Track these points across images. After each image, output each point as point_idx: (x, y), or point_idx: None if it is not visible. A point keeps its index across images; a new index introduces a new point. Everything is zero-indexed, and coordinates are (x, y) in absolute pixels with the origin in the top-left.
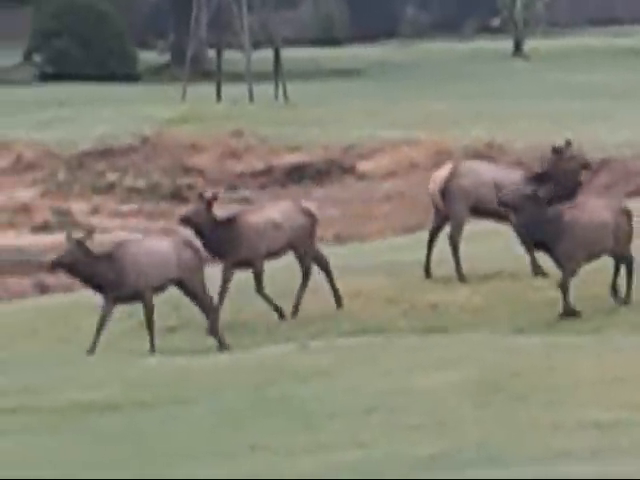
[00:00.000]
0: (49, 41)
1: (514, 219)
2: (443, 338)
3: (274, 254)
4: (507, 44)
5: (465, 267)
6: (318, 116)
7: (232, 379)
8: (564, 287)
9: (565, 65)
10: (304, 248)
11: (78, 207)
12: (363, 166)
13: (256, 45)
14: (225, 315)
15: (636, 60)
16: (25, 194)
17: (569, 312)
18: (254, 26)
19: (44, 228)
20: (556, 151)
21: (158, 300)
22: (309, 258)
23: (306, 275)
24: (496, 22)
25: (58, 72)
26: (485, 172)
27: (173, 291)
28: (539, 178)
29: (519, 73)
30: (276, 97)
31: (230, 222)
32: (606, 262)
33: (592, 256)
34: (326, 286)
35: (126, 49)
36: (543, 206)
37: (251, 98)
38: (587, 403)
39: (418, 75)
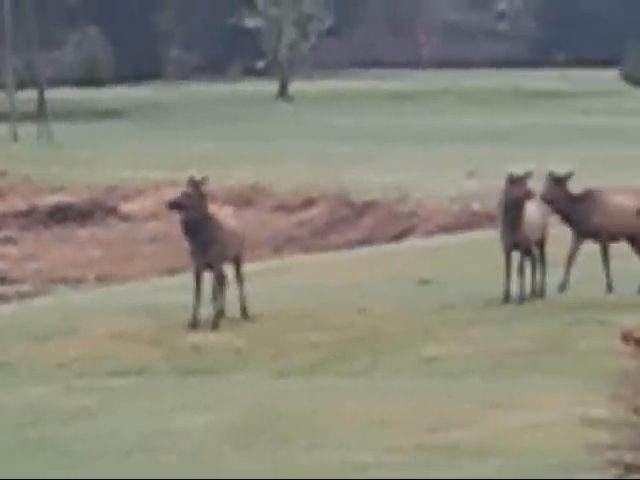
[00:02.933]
0: None
1: None
2: (205, 380)
3: None
4: (272, 86)
5: (229, 309)
6: (82, 157)
7: None
8: None
9: (330, 107)
10: None
11: None
12: (126, 207)
13: (20, 85)
14: None
15: (400, 103)
16: None
17: None
18: (18, 66)
19: None
20: (193, 183)
21: None
22: None
23: None
24: (261, 64)
25: None
26: None
27: None
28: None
29: (284, 115)
30: (39, 137)
31: None
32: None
33: None
34: (88, 327)
35: None
36: None
37: (15, 138)
38: (350, 445)
39: (182, 116)
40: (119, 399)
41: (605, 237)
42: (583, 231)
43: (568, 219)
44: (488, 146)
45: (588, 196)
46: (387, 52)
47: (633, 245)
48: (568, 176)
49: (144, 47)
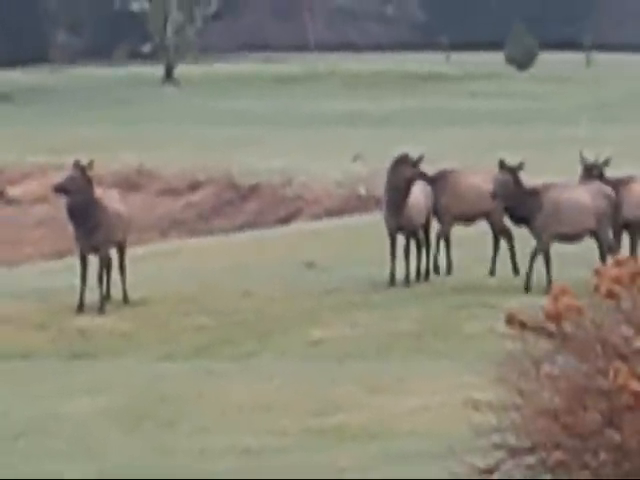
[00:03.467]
0: None
1: None
2: (91, 364)
3: None
4: (159, 70)
5: (113, 293)
6: None
7: None
8: None
9: (216, 91)
10: None
11: None
12: (13, 191)
13: None
14: None
15: (286, 87)
16: None
17: None
18: None
19: None
20: (79, 167)
21: None
22: None
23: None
24: (147, 48)
25: None
26: None
27: None
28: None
29: (169, 99)
30: None
31: None
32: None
33: None
34: None
35: None
36: None
37: None
38: (235, 429)
39: (69, 100)
40: (5, 383)
41: (450, 218)
42: (435, 211)
43: None
44: (374, 129)
45: (441, 177)
46: (274, 35)
47: (490, 226)
48: (419, 159)
49: (31, 31)
